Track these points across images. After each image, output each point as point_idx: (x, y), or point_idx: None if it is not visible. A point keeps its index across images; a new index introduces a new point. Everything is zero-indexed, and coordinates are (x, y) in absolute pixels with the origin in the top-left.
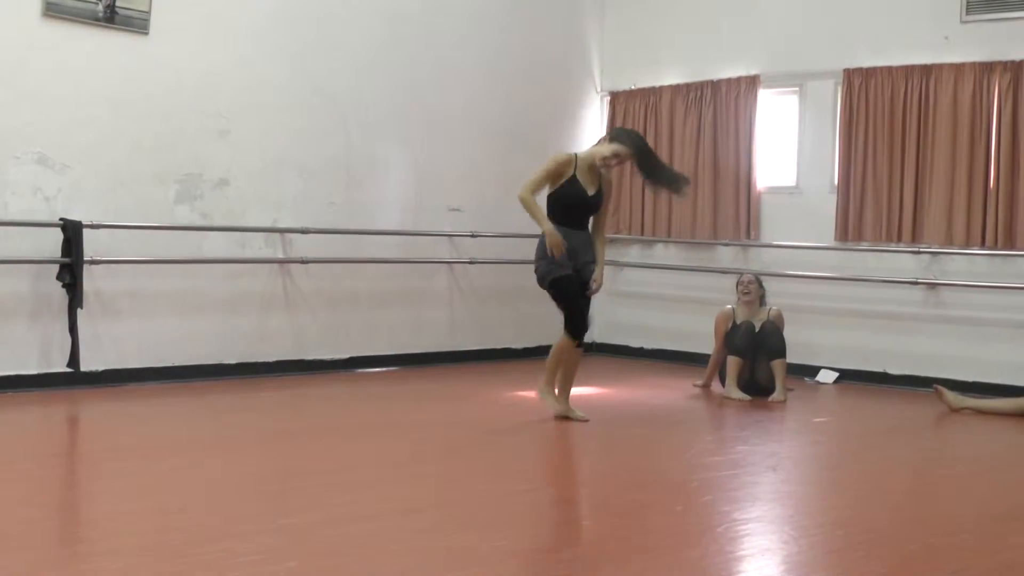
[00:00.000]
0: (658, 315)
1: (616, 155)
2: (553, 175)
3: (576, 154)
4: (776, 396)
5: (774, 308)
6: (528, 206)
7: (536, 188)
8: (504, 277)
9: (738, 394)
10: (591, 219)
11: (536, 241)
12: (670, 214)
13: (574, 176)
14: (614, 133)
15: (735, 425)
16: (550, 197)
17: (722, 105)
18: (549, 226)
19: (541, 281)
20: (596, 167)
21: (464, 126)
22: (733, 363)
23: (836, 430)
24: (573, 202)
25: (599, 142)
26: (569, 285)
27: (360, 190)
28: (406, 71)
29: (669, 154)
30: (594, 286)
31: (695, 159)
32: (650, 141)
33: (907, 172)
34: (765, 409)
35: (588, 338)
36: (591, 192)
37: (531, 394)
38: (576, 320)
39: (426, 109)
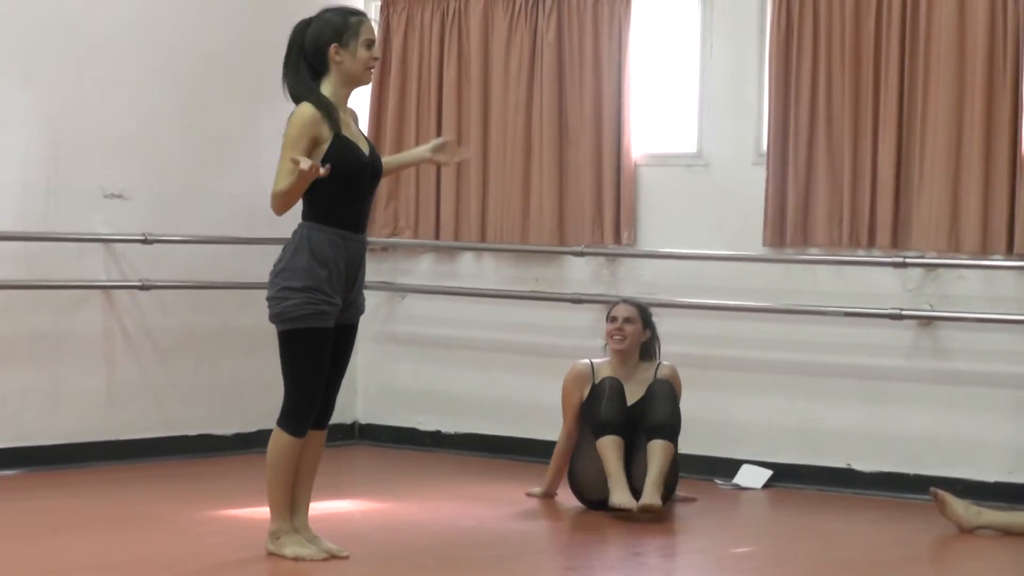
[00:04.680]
0: (465, 376)
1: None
2: (310, 143)
3: (321, 97)
4: (646, 498)
5: (666, 364)
6: (281, 195)
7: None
8: (202, 313)
9: (623, 498)
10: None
11: (280, 249)
12: (484, 205)
13: (339, 133)
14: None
15: (599, 563)
16: (311, 189)
17: (573, 19)
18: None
19: (277, 318)
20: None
21: (136, 49)
22: (609, 448)
23: (767, 570)
24: (355, 174)
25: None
26: (319, 344)
27: None
28: None
29: (483, 103)
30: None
31: (527, 110)
32: (450, 80)
33: (884, 132)
34: (644, 531)
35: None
36: (367, 150)
37: (245, 513)
38: (306, 405)
39: (68, 19)
